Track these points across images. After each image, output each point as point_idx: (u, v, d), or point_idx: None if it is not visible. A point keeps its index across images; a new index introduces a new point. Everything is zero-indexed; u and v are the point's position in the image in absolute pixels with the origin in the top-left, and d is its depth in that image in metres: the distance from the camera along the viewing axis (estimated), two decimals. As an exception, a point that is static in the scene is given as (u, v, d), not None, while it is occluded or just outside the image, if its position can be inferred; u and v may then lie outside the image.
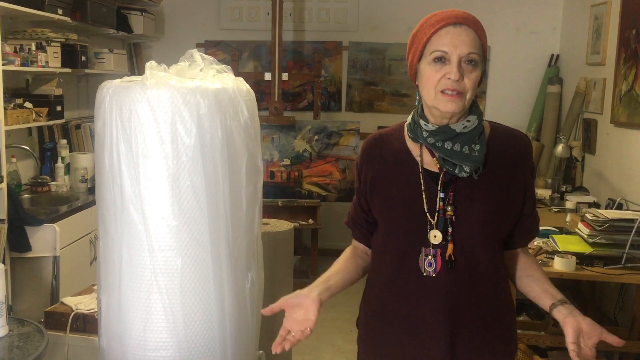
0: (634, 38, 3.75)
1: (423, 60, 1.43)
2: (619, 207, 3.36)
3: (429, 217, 1.44)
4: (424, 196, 1.45)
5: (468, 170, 1.42)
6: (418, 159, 1.48)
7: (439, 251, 1.43)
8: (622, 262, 2.78)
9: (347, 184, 4.98)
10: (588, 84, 4.47)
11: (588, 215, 2.92)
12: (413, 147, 1.50)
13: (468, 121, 1.44)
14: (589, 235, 2.85)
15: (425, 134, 1.45)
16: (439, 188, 1.44)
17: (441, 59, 1.39)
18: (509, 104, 5.25)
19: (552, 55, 5.26)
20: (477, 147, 1.43)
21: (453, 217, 1.43)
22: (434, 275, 1.43)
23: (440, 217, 1.43)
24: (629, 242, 2.77)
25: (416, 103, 1.51)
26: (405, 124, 1.53)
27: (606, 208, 3.43)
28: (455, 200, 1.43)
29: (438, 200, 1.44)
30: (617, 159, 3.96)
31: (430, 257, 1.43)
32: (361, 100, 5.54)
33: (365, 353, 1.58)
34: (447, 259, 1.42)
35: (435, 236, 1.43)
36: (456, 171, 1.42)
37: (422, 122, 1.46)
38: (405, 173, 1.48)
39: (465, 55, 1.38)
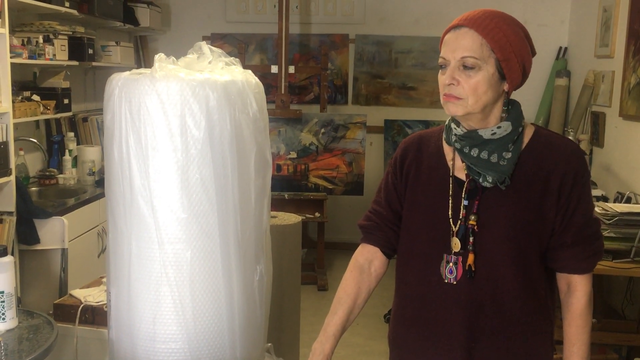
0: (643, 30, 3.73)
1: None
2: (628, 200, 3.35)
3: (452, 224, 1.41)
4: (450, 202, 1.43)
5: (491, 181, 1.38)
6: (450, 163, 1.46)
7: (460, 259, 1.40)
8: (631, 256, 2.78)
9: (353, 177, 4.97)
10: (596, 76, 4.44)
11: (597, 209, 2.90)
12: (447, 151, 1.48)
13: (499, 127, 1.39)
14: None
15: (453, 138, 1.44)
16: (462, 195, 1.42)
17: (444, 65, 1.39)
18: (516, 97, 5.20)
19: (560, 47, 5.23)
20: (509, 155, 1.38)
21: (475, 227, 1.39)
22: (454, 283, 1.41)
23: (461, 225, 1.40)
24: (638, 236, 2.76)
25: None
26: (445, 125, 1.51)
27: (615, 201, 3.42)
28: (479, 210, 1.40)
29: (462, 207, 1.41)
30: (626, 152, 3.94)
31: (451, 264, 1.41)
32: (368, 93, 5.53)
33: (392, 356, 1.58)
34: (466, 268, 1.39)
35: (455, 244, 1.41)
36: (480, 180, 1.39)
37: (452, 125, 1.45)
38: (436, 178, 1.46)
39: (459, 59, 1.35)
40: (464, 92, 1.35)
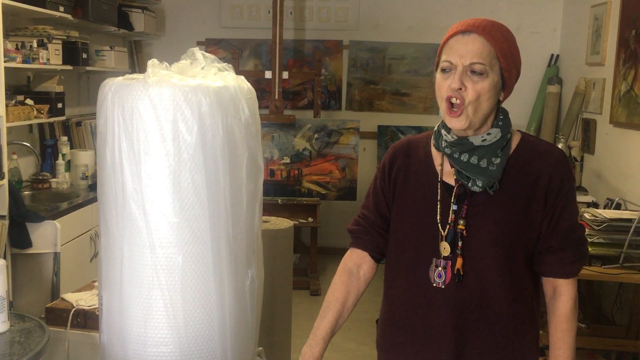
0: (633, 38, 3.77)
1: (438, 69, 1.43)
2: (618, 207, 3.38)
3: (440, 229, 1.43)
4: (438, 207, 1.44)
5: (480, 185, 1.39)
6: (439, 168, 1.48)
7: (450, 263, 1.42)
8: (620, 262, 2.80)
9: (346, 183, 4.99)
10: (587, 84, 4.48)
11: (586, 215, 2.93)
12: (436, 156, 1.50)
13: (488, 134, 1.42)
14: (587, 234, 2.86)
15: (444, 144, 1.45)
16: (452, 200, 1.43)
17: (448, 69, 1.39)
18: (508, 104, 5.20)
19: (552, 55, 5.28)
20: (498, 160, 1.40)
21: (464, 231, 1.41)
22: (442, 287, 1.42)
23: (450, 229, 1.42)
24: (627, 242, 2.79)
25: (439, 114, 1.51)
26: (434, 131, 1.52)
27: (605, 208, 3.44)
28: (468, 214, 1.42)
29: (451, 212, 1.43)
30: (616, 159, 3.98)
31: (440, 268, 1.42)
32: (361, 99, 5.55)
33: (380, 359, 1.60)
34: (455, 272, 1.41)
35: (444, 248, 1.42)
36: (469, 184, 1.41)
37: (443, 131, 1.46)
38: (424, 183, 1.48)
39: (467, 64, 1.36)
40: (468, 97, 1.37)
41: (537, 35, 5.27)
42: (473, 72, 1.36)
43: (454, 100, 1.38)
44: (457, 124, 1.39)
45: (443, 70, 1.40)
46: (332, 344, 1.58)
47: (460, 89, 1.36)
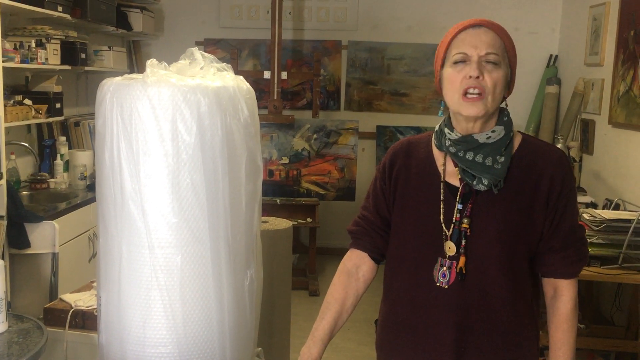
0: (632, 39, 3.77)
1: (445, 65, 1.43)
2: (616, 207, 3.38)
3: (444, 228, 1.43)
4: (441, 206, 1.44)
5: (486, 184, 1.40)
6: (441, 168, 1.47)
7: (455, 263, 1.41)
8: (619, 262, 2.80)
9: (345, 183, 4.99)
10: (586, 84, 4.48)
11: (585, 216, 2.93)
12: (438, 156, 1.50)
13: (493, 132, 1.42)
14: (586, 235, 2.86)
15: (447, 143, 1.45)
16: (457, 199, 1.43)
17: (462, 61, 1.39)
18: (508, 104, 5.25)
19: (551, 55, 5.28)
20: (502, 159, 1.41)
21: (468, 230, 1.41)
22: (446, 286, 1.42)
23: (455, 228, 1.42)
24: (626, 242, 2.79)
25: (440, 114, 1.50)
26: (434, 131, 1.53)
27: (603, 208, 3.45)
28: (472, 214, 1.42)
29: (455, 211, 1.43)
30: (615, 160, 3.98)
31: (445, 268, 1.42)
32: (360, 99, 5.55)
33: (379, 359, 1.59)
34: (457, 271, 1.40)
35: (449, 248, 1.42)
36: (474, 183, 1.41)
37: (446, 130, 1.46)
38: (427, 184, 1.48)
39: (484, 55, 1.38)
40: (487, 86, 1.38)
41: (536, 36, 5.27)
42: (488, 62, 1.38)
43: (472, 90, 1.37)
44: (474, 109, 1.38)
45: (455, 62, 1.40)
46: (331, 345, 1.57)
47: (478, 77, 1.37)
